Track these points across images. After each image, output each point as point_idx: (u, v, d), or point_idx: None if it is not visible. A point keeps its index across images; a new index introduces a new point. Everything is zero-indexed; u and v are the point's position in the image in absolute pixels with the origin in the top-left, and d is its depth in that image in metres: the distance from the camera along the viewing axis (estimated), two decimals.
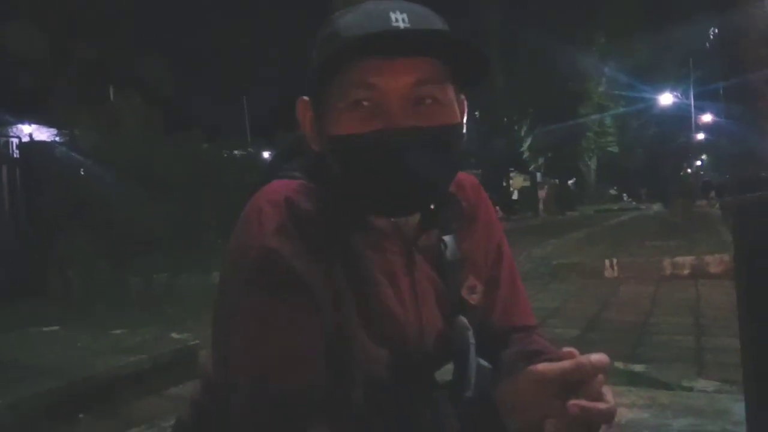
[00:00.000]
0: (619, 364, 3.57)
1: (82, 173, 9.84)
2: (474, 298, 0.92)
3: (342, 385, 0.77)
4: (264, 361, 0.73)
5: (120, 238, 8.41)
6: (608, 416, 0.70)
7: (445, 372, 0.87)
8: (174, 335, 3.94)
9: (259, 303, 0.75)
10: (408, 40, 0.76)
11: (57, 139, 11.95)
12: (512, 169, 28.79)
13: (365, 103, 0.77)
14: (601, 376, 0.71)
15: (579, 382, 0.70)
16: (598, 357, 0.71)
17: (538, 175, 29.44)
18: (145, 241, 8.60)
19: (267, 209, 0.77)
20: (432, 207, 0.86)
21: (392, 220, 0.85)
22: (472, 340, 0.87)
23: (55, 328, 4.21)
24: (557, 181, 30.05)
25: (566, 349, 0.74)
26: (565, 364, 0.70)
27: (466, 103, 0.86)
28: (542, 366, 0.71)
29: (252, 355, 0.74)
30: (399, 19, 0.75)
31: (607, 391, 0.71)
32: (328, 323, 0.77)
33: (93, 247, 7.95)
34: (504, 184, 26.11)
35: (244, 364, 0.74)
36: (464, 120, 0.85)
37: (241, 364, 0.75)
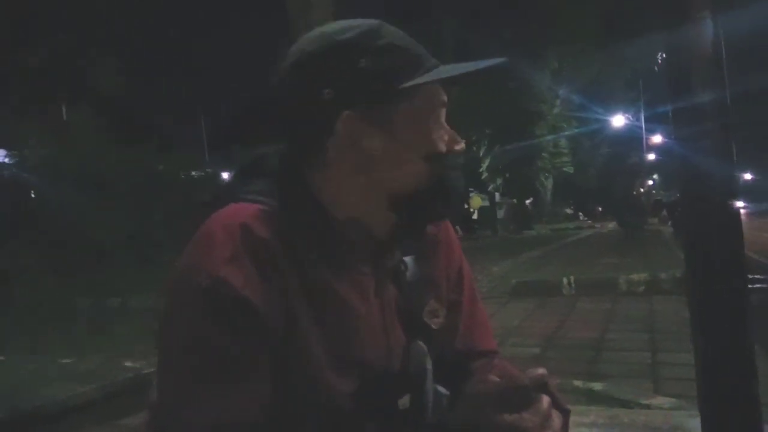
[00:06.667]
0: (578, 383, 3.62)
1: (33, 195, 9.57)
2: (436, 322, 0.89)
3: (295, 417, 0.75)
4: (209, 393, 0.69)
5: (69, 257, 8.13)
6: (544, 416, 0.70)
7: (405, 399, 0.85)
8: (127, 363, 3.80)
9: (206, 333, 0.70)
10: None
11: (6, 160, 11.56)
12: (471, 189, 29.08)
13: (444, 122, 0.83)
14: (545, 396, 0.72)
15: (520, 397, 0.71)
16: (534, 371, 0.72)
17: (497, 194, 29.83)
18: (95, 260, 8.34)
19: (220, 235, 0.73)
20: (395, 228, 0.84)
21: (365, 241, 0.83)
22: (429, 365, 0.85)
23: (1, 358, 4.03)
24: (515, 200, 30.51)
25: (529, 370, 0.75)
26: (499, 381, 0.72)
27: None
28: (479, 385, 0.73)
29: (196, 388, 0.70)
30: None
31: (545, 401, 0.71)
32: (281, 355, 0.73)
33: (40, 265, 7.67)
34: (465, 205, 26.34)
35: (188, 396, 0.70)
36: None
37: (185, 396, 0.70)
